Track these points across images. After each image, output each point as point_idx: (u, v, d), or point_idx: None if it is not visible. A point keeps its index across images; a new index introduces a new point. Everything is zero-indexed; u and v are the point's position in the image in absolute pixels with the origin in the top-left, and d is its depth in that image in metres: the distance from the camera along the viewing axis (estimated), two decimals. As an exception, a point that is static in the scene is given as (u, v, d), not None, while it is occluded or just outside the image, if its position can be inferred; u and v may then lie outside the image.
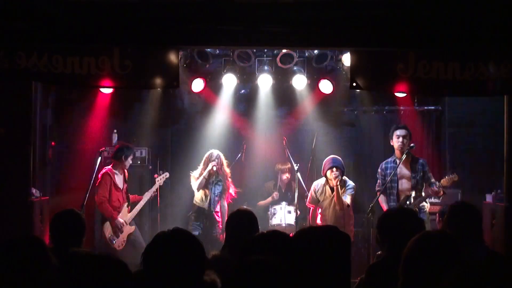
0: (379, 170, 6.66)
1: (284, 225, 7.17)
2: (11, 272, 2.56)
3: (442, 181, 6.29)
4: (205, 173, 6.88)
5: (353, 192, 6.70)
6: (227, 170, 7.09)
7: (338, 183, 6.52)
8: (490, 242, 5.89)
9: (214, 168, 6.87)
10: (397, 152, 6.51)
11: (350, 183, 6.75)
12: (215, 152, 7.02)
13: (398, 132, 6.49)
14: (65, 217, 3.74)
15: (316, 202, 6.78)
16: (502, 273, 1.87)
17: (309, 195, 6.86)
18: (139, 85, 6.07)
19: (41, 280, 2.54)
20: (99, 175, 6.80)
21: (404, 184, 6.49)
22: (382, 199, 6.54)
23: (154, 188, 7.15)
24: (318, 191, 6.76)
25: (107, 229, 6.93)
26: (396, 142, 6.49)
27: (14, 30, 5.51)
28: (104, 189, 6.84)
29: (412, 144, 6.49)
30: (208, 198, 6.91)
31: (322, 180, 6.80)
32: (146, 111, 8.05)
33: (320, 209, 6.79)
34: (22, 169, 5.78)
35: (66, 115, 8.01)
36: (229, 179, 7.11)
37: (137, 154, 7.91)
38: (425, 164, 6.49)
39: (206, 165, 6.96)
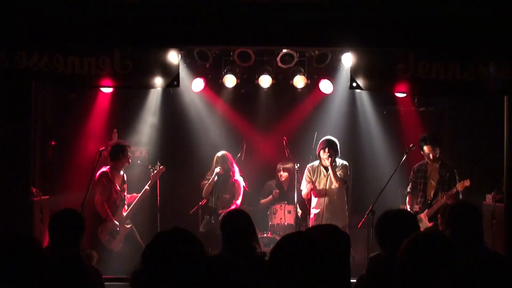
0: (411, 172, 6.78)
1: (284, 224, 7.17)
2: (3, 272, 2.55)
3: (456, 186, 6.37)
4: (211, 180, 6.99)
5: (348, 168, 6.89)
6: (236, 168, 7.20)
7: (331, 163, 6.69)
8: (490, 242, 5.90)
9: (218, 176, 6.99)
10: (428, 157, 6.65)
11: (343, 161, 6.90)
12: (220, 153, 7.14)
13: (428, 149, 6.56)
14: (63, 217, 3.71)
15: (310, 182, 6.91)
16: (502, 273, 1.87)
17: (304, 176, 7.00)
18: (139, 84, 6.07)
19: (35, 280, 2.53)
20: (97, 174, 6.78)
21: (431, 188, 6.61)
22: (409, 200, 6.80)
23: (148, 184, 7.13)
24: (312, 171, 6.93)
25: (103, 231, 6.93)
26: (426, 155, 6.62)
27: (14, 30, 5.52)
28: (103, 188, 6.82)
29: (412, 145, 6.53)
30: (216, 197, 7.00)
31: (316, 162, 6.96)
32: (146, 111, 8.04)
33: (314, 192, 6.91)
34: (22, 169, 5.78)
35: (66, 115, 8.01)
36: (238, 178, 7.18)
37: (137, 153, 7.92)
38: (454, 171, 6.55)
39: (213, 169, 7.07)
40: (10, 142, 5.74)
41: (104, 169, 6.89)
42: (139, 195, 7.04)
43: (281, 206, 7.28)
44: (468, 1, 5.48)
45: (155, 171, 7.07)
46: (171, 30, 5.64)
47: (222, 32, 5.70)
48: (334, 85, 7.63)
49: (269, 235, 7.05)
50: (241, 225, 3.75)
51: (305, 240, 2.16)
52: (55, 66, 5.50)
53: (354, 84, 5.75)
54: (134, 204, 7.02)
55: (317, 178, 6.90)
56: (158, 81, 5.76)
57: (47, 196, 6.61)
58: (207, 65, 7.37)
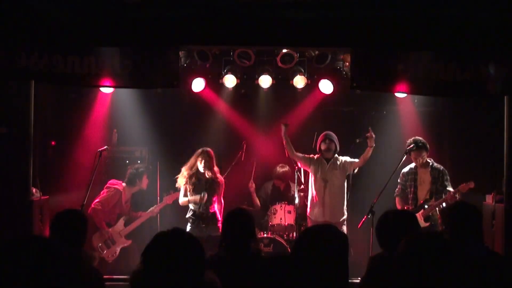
0: (400, 175, 6.83)
1: (284, 225, 7.16)
2: (13, 272, 2.54)
3: (459, 187, 6.43)
4: (192, 198, 6.70)
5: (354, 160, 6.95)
6: (216, 168, 6.87)
7: (333, 155, 6.84)
8: (490, 242, 5.89)
9: (201, 169, 6.70)
10: (415, 161, 6.74)
11: (345, 157, 6.99)
12: (204, 149, 6.83)
13: (414, 154, 6.64)
14: (66, 217, 3.70)
15: (307, 160, 6.97)
16: (502, 273, 1.87)
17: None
18: (139, 84, 6.07)
19: (42, 280, 2.53)
20: (111, 185, 6.93)
21: (423, 190, 6.65)
22: (398, 202, 6.84)
23: (159, 206, 7.23)
24: (314, 161, 7.00)
25: (98, 237, 6.99)
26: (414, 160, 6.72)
27: (15, 30, 5.51)
28: (108, 201, 6.93)
29: (412, 145, 6.54)
30: (201, 203, 6.66)
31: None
32: (146, 111, 8.04)
33: (314, 180, 6.95)
34: (22, 169, 5.78)
35: (66, 115, 8.00)
36: (219, 177, 6.88)
37: (137, 153, 7.93)
38: (445, 172, 6.65)
39: (192, 164, 6.77)
40: (10, 142, 5.74)
41: (119, 187, 7.01)
42: (146, 214, 7.19)
43: (281, 206, 7.27)
44: (468, 1, 5.48)
45: (168, 196, 7.16)
46: (171, 30, 5.64)
47: (222, 32, 5.70)
48: (334, 85, 7.62)
49: (269, 235, 7.04)
50: (241, 224, 3.75)
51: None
52: (55, 65, 5.50)
53: (354, 84, 5.75)
54: (136, 222, 7.18)
55: (319, 168, 6.94)
56: (158, 81, 5.76)
57: (47, 196, 6.59)
58: (207, 65, 7.37)
